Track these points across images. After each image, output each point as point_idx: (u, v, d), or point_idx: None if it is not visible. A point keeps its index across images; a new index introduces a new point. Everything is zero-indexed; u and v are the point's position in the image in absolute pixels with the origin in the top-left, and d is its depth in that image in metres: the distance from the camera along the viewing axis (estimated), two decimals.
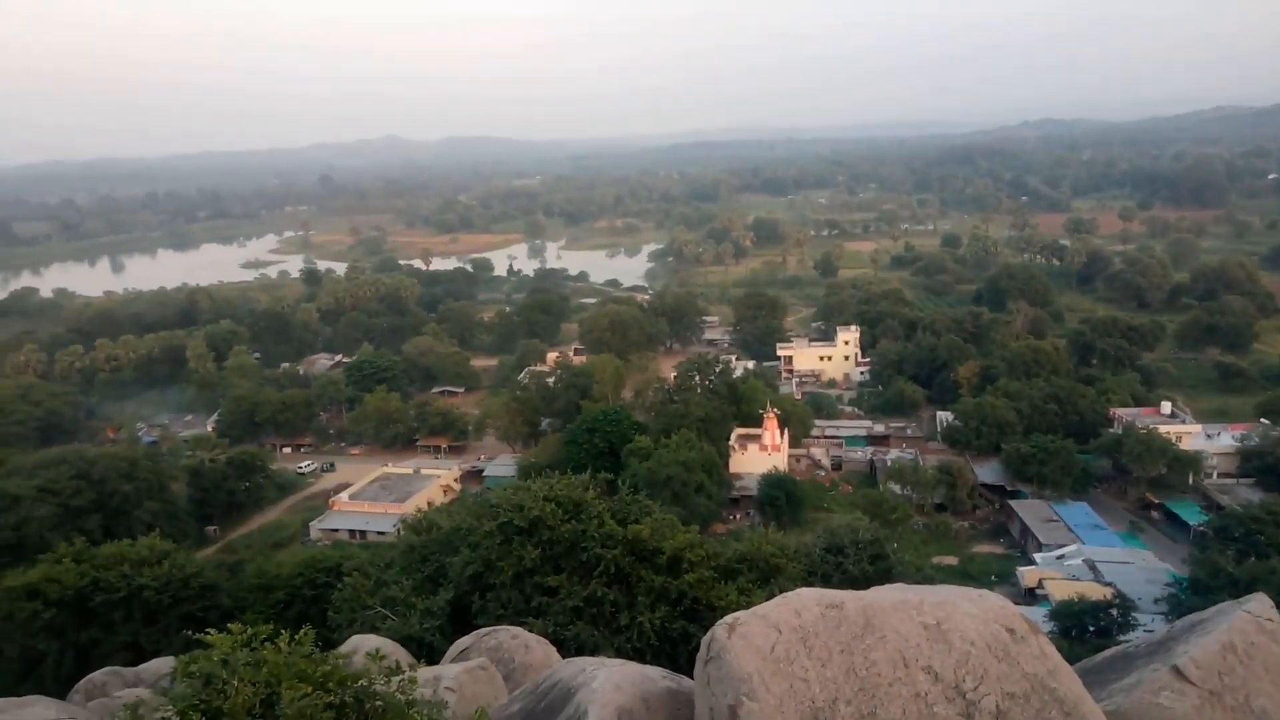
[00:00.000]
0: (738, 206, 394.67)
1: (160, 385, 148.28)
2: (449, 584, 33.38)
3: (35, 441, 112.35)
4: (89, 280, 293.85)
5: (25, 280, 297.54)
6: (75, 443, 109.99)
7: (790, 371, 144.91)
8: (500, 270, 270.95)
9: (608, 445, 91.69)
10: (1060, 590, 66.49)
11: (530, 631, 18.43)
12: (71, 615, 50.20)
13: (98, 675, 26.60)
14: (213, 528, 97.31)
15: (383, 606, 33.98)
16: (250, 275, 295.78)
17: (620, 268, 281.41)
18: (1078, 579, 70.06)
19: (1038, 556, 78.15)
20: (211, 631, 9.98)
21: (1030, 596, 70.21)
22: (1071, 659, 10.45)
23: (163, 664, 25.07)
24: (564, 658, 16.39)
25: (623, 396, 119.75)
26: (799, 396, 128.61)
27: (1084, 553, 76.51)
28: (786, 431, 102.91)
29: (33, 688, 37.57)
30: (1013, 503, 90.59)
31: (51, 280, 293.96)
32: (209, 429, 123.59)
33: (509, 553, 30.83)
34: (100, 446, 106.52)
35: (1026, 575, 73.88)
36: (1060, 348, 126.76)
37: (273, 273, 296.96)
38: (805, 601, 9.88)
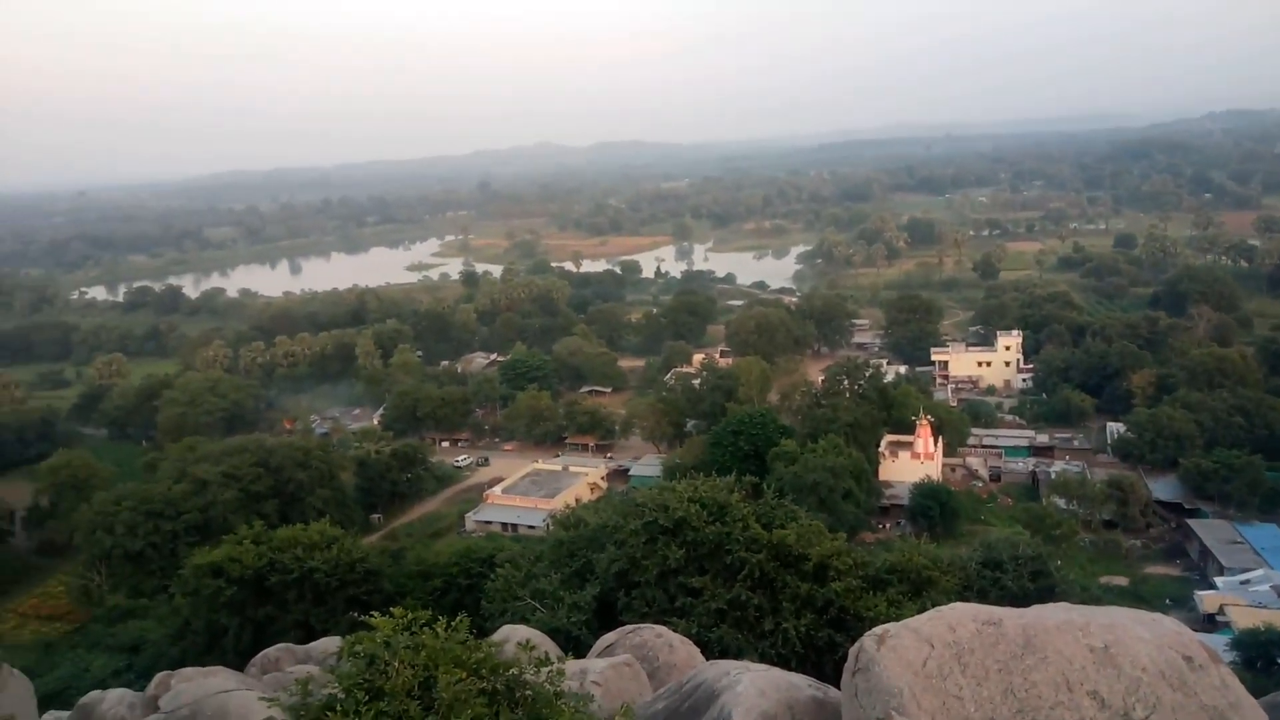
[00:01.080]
0: (891, 206, 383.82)
1: (332, 380, 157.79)
2: (595, 580, 34.00)
3: (221, 431, 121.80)
4: (270, 281, 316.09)
5: (214, 281, 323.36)
6: (256, 432, 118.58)
7: (945, 377, 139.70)
8: (648, 272, 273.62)
9: (753, 448, 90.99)
10: (1245, 618, 61.24)
11: (674, 631, 18.53)
12: (250, 593, 54.00)
13: (272, 651, 28.53)
14: (377, 515, 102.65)
15: (532, 598, 34.98)
16: (414, 277, 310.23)
17: (767, 270, 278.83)
18: (1265, 606, 64.38)
19: (1219, 580, 72.25)
20: (375, 614, 10.48)
21: (1209, 623, 64.96)
22: (1256, 692, 9.62)
23: (330, 643, 26.65)
24: (707, 659, 16.39)
25: (768, 399, 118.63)
26: (954, 403, 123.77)
27: (1272, 578, 70.25)
28: (940, 439, 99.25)
29: (216, 659, 40.72)
30: (1191, 522, 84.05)
31: (237, 281, 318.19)
32: (375, 422, 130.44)
33: (654, 552, 31.11)
34: (278, 436, 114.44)
35: (1206, 600, 68.42)
36: (1248, 356, 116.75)
37: (435, 275, 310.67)
38: (961, 616, 9.51)
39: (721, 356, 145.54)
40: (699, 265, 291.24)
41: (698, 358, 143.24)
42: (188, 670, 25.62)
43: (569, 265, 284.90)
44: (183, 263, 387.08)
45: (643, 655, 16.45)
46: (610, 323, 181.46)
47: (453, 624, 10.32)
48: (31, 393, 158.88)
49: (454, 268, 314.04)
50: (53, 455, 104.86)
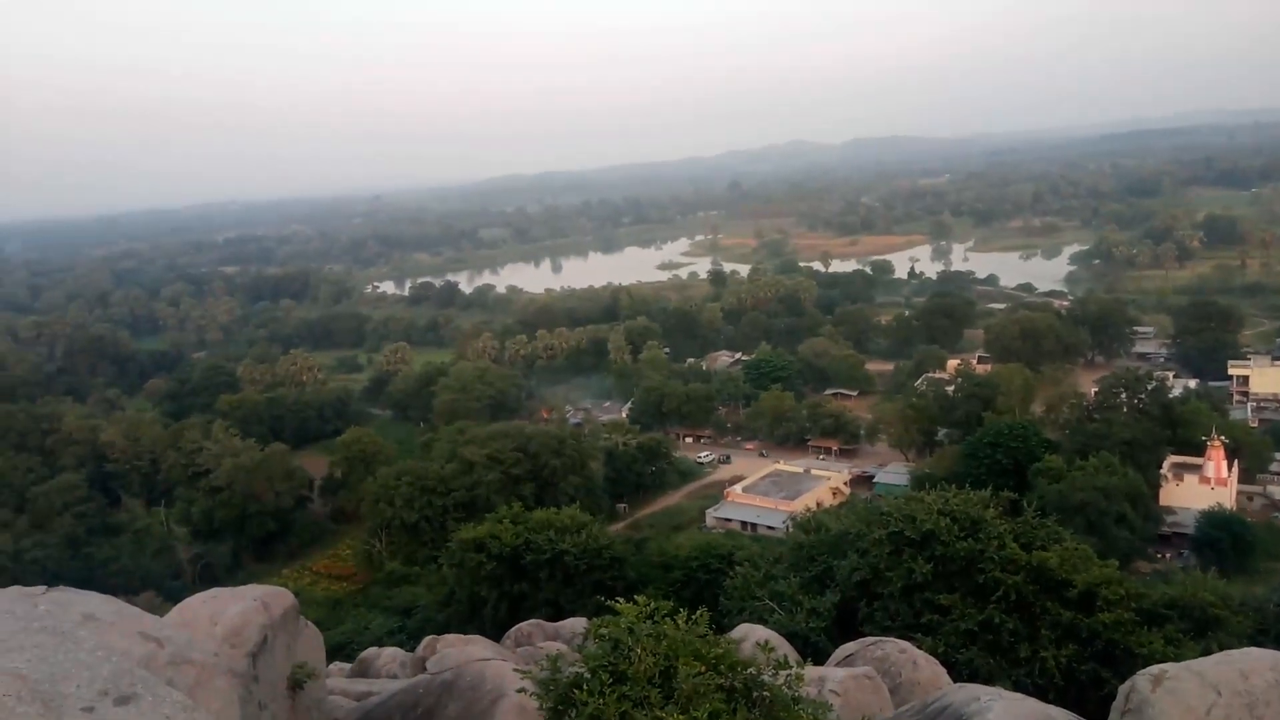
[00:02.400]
0: (1184, 202, 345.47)
1: (586, 373, 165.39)
2: (835, 586, 33.27)
3: (487, 416, 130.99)
4: (534, 278, 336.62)
5: (486, 278, 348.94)
6: (517, 419, 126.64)
7: (1245, 394, 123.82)
8: (900, 272, 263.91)
9: (1012, 462, 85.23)
10: None
11: (918, 648, 17.76)
12: (508, 568, 57.69)
13: (525, 625, 30.31)
14: (622, 505, 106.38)
15: (770, 599, 34.80)
16: (664, 276, 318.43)
17: (1035, 271, 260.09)
18: None
19: None
20: (619, 600, 10.81)
21: None
22: None
23: (577, 623, 27.93)
24: (954, 681, 15.56)
25: (1031, 411, 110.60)
26: (1255, 424, 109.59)
27: None
28: (1236, 464, 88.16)
29: (475, 628, 43.88)
30: None
31: (506, 278, 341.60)
32: (623, 415, 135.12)
33: (898, 564, 29.97)
34: (536, 424, 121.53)
35: None
36: None
37: (684, 274, 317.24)
38: (1256, 664, 8.38)
39: (979, 363, 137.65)
40: (957, 265, 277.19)
41: (952, 363, 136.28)
42: (451, 636, 27.82)
43: (817, 265, 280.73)
44: (459, 261, 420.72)
45: (884, 669, 15.88)
46: (858, 324, 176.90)
47: (693, 617, 10.45)
48: (330, 375, 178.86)
49: (702, 267, 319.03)
50: (345, 432, 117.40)
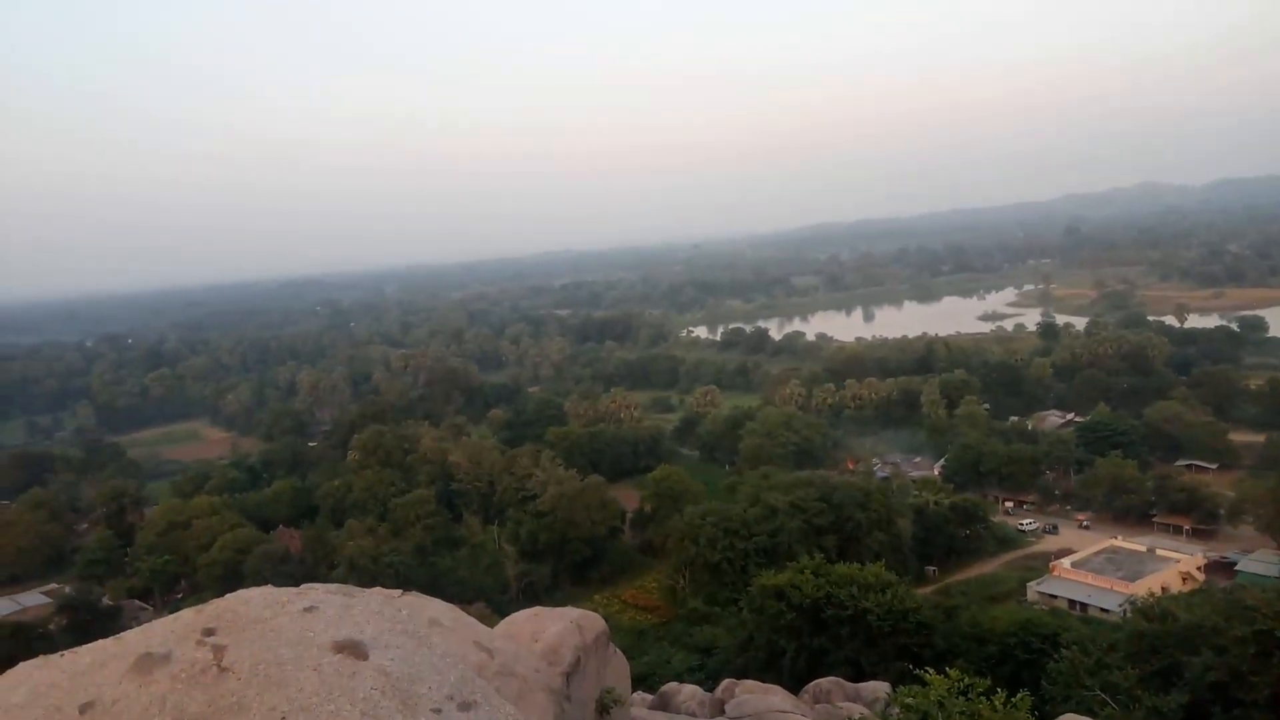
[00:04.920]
0: None
1: (895, 425, 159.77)
2: (1183, 685, 29.16)
3: (791, 463, 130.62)
4: (845, 327, 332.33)
5: (796, 325, 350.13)
6: (821, 468, 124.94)
7: None
8: (1276, 330, 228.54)
9: None
10: None
11: None
12: (808, 621, 56.70)
13: (824, 682, 29.65)
14: (931, 568, 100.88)
15: (1102, 690, 31.21)
16: (986, 327, 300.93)
17: None
18: None
19: None
20: (929, 671, 10.27)
21: None
22: None
23: (879, 687, 26.82)
24: None
25: None
26: None
27: None
28: None
29: (773, 677, 43.51)
30: None
31: (816, 325, 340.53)
32: (935, 472, 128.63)
33: (1268, 667, 25.69)
34: (841, 475, 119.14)
35: None
36: None
37: (1009, 325, 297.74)
38: None
39: None
40: None
41: None
42: (750, 683, 27.90)
43: (1170, 319, 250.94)
44: (770, 307, 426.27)
45: None
46: (1220, 388, 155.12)
47: (1013, 700, 9.68)
48: (646, 414, 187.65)
49: (1031, 318, 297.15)
50: (656, 469, 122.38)
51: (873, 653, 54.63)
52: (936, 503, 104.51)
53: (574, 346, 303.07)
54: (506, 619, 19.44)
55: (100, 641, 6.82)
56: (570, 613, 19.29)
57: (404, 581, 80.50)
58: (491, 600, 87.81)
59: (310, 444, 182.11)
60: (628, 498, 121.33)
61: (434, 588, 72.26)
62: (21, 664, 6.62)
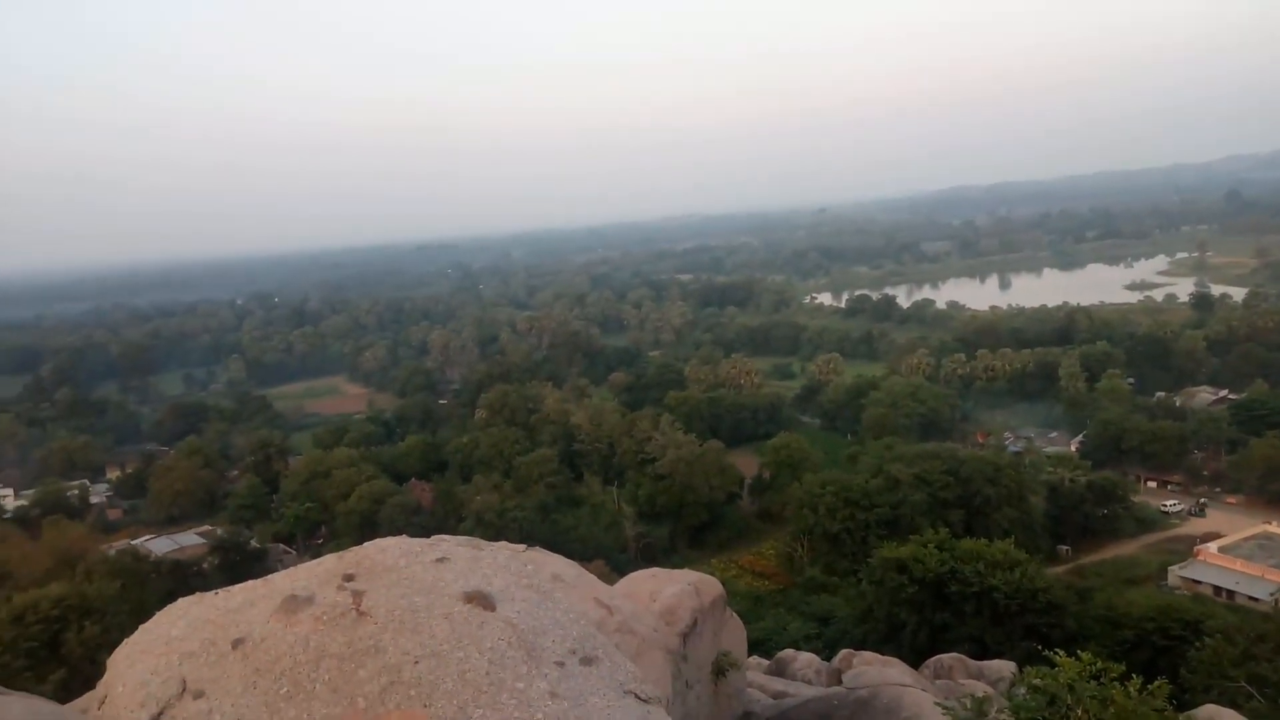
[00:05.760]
0: None
1: (1030, 399, 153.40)
2: None
3: (917, 434, 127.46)
4: (978, 295, 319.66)
5: (925, 293, 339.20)
6: (949, 441, 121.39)
7: None
8: None
9: None
10: None
11: None
12: (930, 595, 55.66)
13: (946, 658, 29.06)
14: (1064, 547, 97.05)
15: (1248, 682, 29.48)
16: (1133, 297, 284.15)
17: None
18: None
19: None
20: (1059, 652, 9.93)
21: None
22: None
23: (1004, 666, 26.09)
24: None
25: None
26: None
27: None
28: None
29: (892, 649, 42.92)
30: None
31: (946, 293, 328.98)
32: (1071, 448, 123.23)
33: None
34: (969, 448, 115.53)
35: None
36: None
37: (1158, 295, 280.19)
38: None
39: None
40: None
41: None
42: (868, 654, 27.60)
43: None
44: (899, 274, 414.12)
45: None
46: None
47: (1149, 687, 9.25)
48: (766, 380, 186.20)
49: (1183, 288, 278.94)
50: (776, 436, 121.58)
51: (998, 631, 53.26)
52: (1072, 480, 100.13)
53: (695, 311, 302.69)
54: (625, 578, 19.81)
55: (250, 582, 7.32)
56: (688, 575, 19.50)
57: (527, 537, 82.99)
58: (610, 559, 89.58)
59: (440, 401, 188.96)
60: (746, 464, 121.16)
61: (555, 544, 74.17)
62: (180, 600, 7.19)
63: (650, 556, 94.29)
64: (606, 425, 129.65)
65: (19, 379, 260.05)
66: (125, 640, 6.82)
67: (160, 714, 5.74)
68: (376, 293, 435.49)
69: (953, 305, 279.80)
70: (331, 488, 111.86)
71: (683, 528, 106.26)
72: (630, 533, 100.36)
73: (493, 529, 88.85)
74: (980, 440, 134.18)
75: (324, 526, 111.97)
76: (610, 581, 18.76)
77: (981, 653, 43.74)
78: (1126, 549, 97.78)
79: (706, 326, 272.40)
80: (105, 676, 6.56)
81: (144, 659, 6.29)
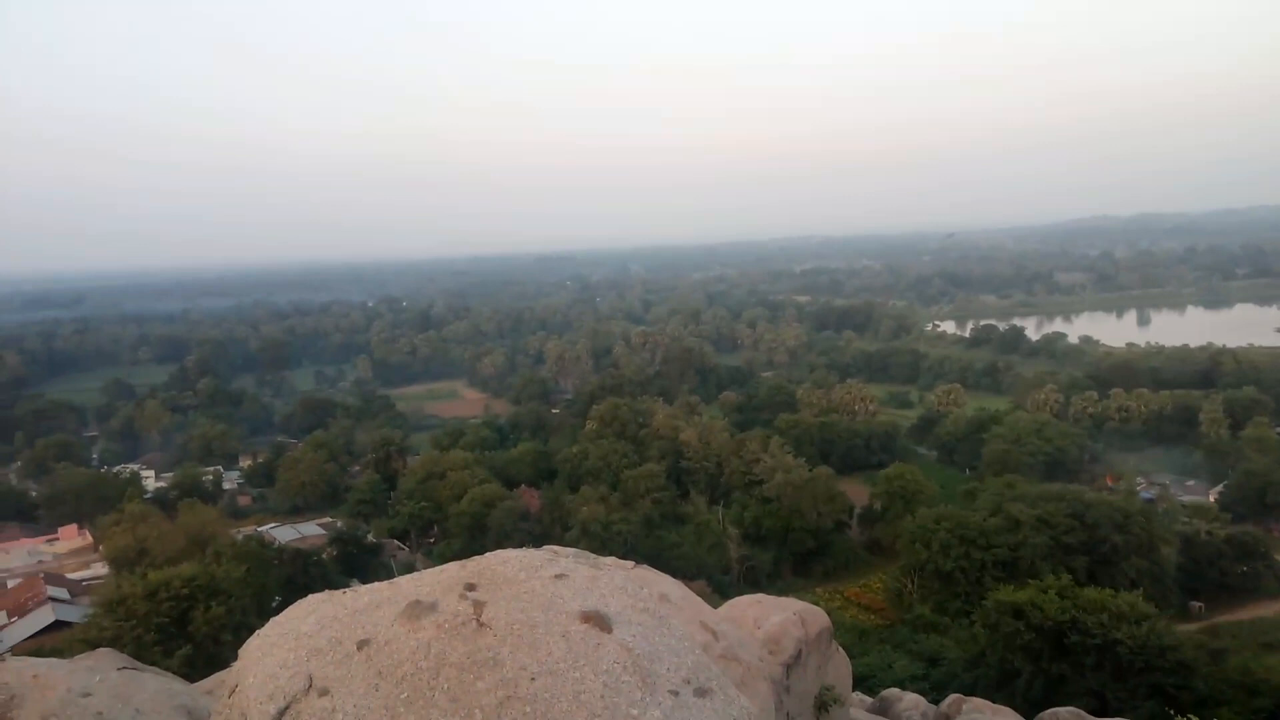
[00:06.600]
0: None
1: (1166, 443, 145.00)
2: None
3: (1040, 474, 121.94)
4: (1114, 330, 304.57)
5: (1056, 325, 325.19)
6: (1075, 483, 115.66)
7: None
8: None
9: None
10: None
11: None
12: (1047, 644, 53.06)
13: (1063, 711, 27.62)
14: (1197, 604, 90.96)
15: None
16: None
17: None
18: None
19: None
20: (1191, 718, 9.27)
21: None
22: None
23: None
24: None
25: None
26: None
27: None
28: None
29: (1004, 698, 41.08)
30: None
31: (1080, 327, 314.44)
32: (1210, 498, 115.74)
33: None
34: (1097, 492, 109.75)
35: None
36: None
37: None
38: None
39: None
40: None
41: None
42: (978, 701, 26.48)
43: None
44: (1029, 305, 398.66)
45: None
46: None
47: None
48: (881, 408, 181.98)
49: None
50: (889, 466, 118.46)
51: (1120, 688, 50.33)
52: (1210, 532, 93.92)
53: (810, 334, 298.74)
54: (729, 602, 19.59)
55: (377, 584, 7.55)
56: (793, 604, 19.13)
57: (631, 551, 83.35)
58: (712, 580, 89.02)
59: (553, 410, 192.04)
60: (856, 493, 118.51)
61: (658, 560, 74.30)
62: (310, 596, 7.48)
63: (754, 580, 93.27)
64: (715, 444, 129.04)
65: (166, 367, 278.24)
66: (257, 632, 7.13)
67: (287, 708, 5.97)
68: (497, 301, 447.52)
69: (1086, 340, 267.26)
70: (445, 489, 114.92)
71: (788, 553, 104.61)
72: (734, 554, 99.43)
73: (598, 540, 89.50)
74: (1109, 484, 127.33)
75: (436, 526, 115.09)
76: (713, 602, 18.59)
77: (1101, 709, 41.42)
78: (1268, 610, 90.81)
79: (822, 349, 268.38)
80: (236, 665, 6.87)
81: (274, 652, 6.56)
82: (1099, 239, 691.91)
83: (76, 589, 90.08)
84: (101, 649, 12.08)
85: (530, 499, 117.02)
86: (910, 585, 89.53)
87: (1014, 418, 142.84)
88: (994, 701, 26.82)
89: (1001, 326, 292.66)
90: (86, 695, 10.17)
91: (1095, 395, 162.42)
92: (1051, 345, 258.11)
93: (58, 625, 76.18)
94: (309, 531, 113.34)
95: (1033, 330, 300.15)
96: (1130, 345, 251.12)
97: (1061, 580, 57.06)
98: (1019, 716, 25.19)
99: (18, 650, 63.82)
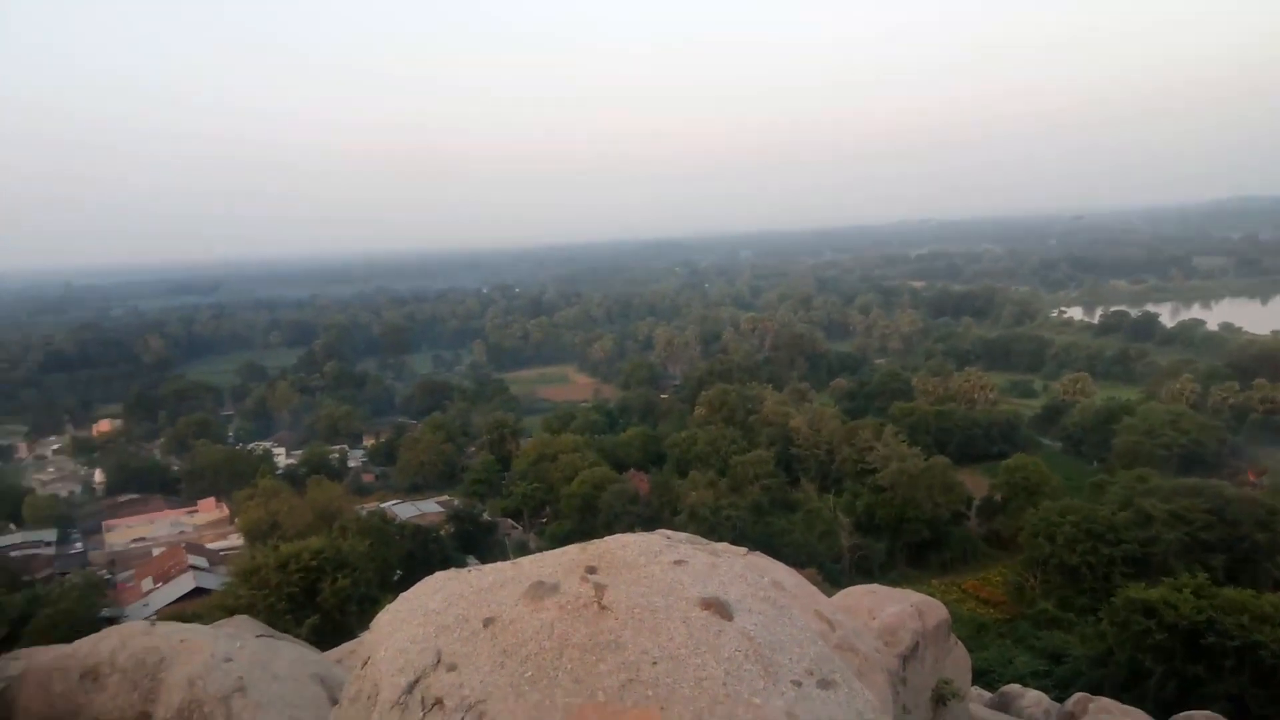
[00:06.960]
0: None
1: None
2: None
3: (1175, 467, 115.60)
4: (1258, 318, 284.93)
5: (1194, 312, 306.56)
6: (1213, 477, 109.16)
7: None
8: None
9: None
10: None
11: None
12: (1181, 644, 50.47)
13: (1198, 715, 26.27)
14: None
15: None
16: None
17: None
18: None
19: None
20: None
21: None
22: None
23: None
24: None
25: None
26: None
27: None
28: None
29: (1133, 699, 39.23)
30: None
31: (1220, 314, 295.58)
32: None
33: None
34: (1238, 487, 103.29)
35: None
36: None
37: None
38: None
39: None
40: None
41: None
42: (1106, 701, 25.37)
43: None
44: (1163, 290, 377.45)
45: None
46: None
47: None
48: (1002, 397, 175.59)
49: None
50: (1011, 457, 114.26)
51: (1262, 693, 47.51)
52: None
53: (926, 320, 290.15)
54: (843, 592, 19.29)
55: (500, 563, 7.74)
56: (910, 595, 18.69)
57: (740, 536, 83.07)
58: (824, 568, 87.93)
59: (661, 395, 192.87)
60: (975, 484, 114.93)
61: (768, 546, 73.63)
62: (437, 574, 7.73)
63: (866, 570, 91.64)
64: (826, 431, 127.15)
65: (295, 350, 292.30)
66: (387, 607, 7.43)
67: (416, 681, 6.18)
68: (607, 287, 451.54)
69: (1227, 327, 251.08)
70: (557, 470, 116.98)
71: (901, 544, 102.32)
72: (846, 543, 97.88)
73: (706, 525, 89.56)
74: (1251, 479, 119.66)
75: (548, 507, 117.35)
76: (825, 592, 18.29)
77: (1240, 714, 39.20)
78: None
79: (939, 336, 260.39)
80: (367, 637, 7.17)
81: (404, 627, 6.81)
82: (1242, 221, 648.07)
83: (214, 558, 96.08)
84: (239, 616, 12.83)
85: (639, 482, 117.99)
86: (1032, 579, 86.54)
87: (1147, 408, 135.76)
88: (1121, 701, 25.65)
89: (1133, 313, 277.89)
90: (228, 660, 10.81)
91: (1236, 385, 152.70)
92: (1188, 332, 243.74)
93: (198, 592, 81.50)
94: (428, 509, 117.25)
95: (1167, 317, 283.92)
96: (1276, 333, 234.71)
97: (1198, 579, 54.10)
98: (1149, 718, 24.06)
99: (162, 614, 68.57)
